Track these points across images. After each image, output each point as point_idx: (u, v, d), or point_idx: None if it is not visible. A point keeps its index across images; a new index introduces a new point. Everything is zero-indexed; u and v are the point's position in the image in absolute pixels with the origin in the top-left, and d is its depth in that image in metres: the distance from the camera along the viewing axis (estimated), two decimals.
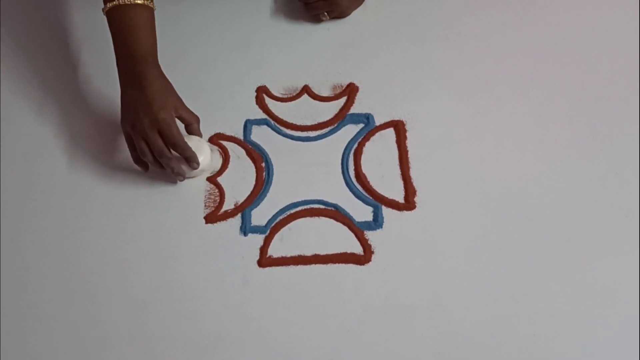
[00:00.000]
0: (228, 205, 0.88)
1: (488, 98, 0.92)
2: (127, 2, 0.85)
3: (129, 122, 0.84)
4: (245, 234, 0.86)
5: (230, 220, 0.87)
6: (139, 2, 0.86)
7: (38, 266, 0.86)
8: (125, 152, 0.90)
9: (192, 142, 0.86)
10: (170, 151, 0.83)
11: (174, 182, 0.89)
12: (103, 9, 0.87)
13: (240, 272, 0.84)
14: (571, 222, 0.83)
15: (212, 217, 0.87)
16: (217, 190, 0.89)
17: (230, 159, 0.91)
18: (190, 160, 0.84)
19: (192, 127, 0.88)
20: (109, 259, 0.86)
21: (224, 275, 0.83)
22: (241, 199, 0.88)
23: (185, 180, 0.89)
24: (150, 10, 0.87)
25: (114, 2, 0.85)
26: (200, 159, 0.85)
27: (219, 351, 0.80)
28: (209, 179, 0.90)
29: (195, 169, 0.85)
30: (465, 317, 0.79)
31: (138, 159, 0.87)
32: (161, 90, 0.84)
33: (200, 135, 0.89)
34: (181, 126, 0.87)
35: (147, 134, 0.82)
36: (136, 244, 0.87)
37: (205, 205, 0.88)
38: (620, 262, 0.80)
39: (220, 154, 0.91)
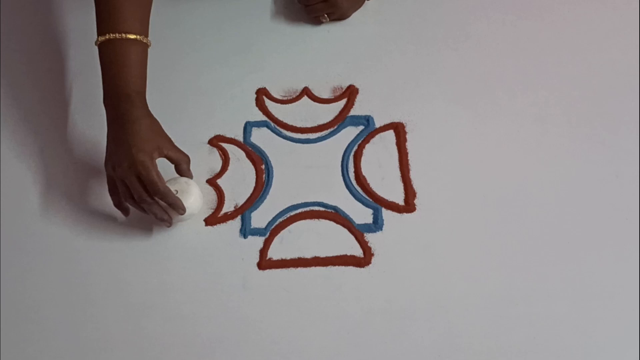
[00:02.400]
0: (228, 208, 0.88)
1: (488, 100, 0.92)
2: (119, 37, 0.82)
3: (110, 164, 0.82)
4: (245, 236, 0.86)
5: (230, 222, 0.87)
6: (131, 37, 0.83)
7: (38, 268, 0.86)
8: None
9: (179, 184, 0.83)
10: (152, 196, 0.80)
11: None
12: (95, 42, 0.84)
13: (240, 275, 0.84)
14: (571, 224, 0.83)
15: (212, 220, 0.87)
16: (217, 193, 0.89)
17: (230, 161, 0.91)
18: (175, 206, 0.81)
19: (181, 168, 0.85)
20: (108, 260, 0.86)
21: (223, 278, 0.83)
22: (241, 201, 0.88)
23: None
24: (144, 47, 0.84)
25: (107, 36, 0.83)
26: (189, 201, 0.83)
27: (219, 354, 0.80)
28: (208, 181, 0.90)
29: (181, 214, 0.82)
30: (465, 319, 0.79)
31: (119, 203, 0.84)
32: (144, 131, 0.81)
33: (190, 176, 0.86)
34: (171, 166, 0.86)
35: (126, 178, 0.80)
36: (136, 245, 0.86)
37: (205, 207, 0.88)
38: (620, 264, 0.80)
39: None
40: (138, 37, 0.83)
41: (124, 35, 0.82)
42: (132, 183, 0.80)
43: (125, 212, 0.85)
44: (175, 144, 0.89)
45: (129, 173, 0.79)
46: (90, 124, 0.95)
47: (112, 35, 0.82)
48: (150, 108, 0.92)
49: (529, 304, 0.79)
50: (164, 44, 0.87)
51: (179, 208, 0.82)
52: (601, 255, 0.81)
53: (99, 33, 0.84)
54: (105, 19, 0.83)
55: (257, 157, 0.91)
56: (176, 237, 0.86)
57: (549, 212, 0.84)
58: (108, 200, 0.87)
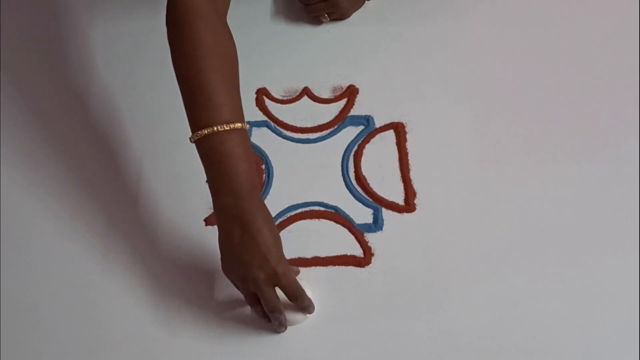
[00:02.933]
0: None
1: (488, 100, 0.93)
2: (219, 130, 0.73)
3: (239, 275, 0.74)
4: None
5: None
6: (233, 126, 0.73)
7: (38, 267, 0.86)
8: (130, 159, 0.90)
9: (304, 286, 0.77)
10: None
11: (175, 185, 0.89)
12: (191, 138, 0.75)
13: None
14: (571, 224, 0.83)
15: (213, 219, 0.87)
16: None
17: None
18: (308, 308, 0.77)
19: (295, 274, 0.79)
20: (108, 260, 0.86)
21: (224, 278, 0.83)
22: None
23: (186, 183, 0.89)
24: (245, 133, 0.75)
25: (204, 131, 0.73)
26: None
27: (219, 353, 0.80)
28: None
29: (311, 312, 0.79)
30: (465, 319, 0.79)
31: (259, 312, 0.77)
32: (274, 237, 0.73)
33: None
34: None
35: (260, 290, 0.73)
36: (136, 245, 0.86)
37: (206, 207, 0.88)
38: (620, 264, 0.81)
39: None
40: (242, 125, 0.75)
41: (226, 126, 0.73)
42: (268, 294, 0.73)
43: (268, 320, 0.77)
44: (176, 143, 0.90)
45: (267, 286, 0.73)
46: (90, 123, 0.95)
47: (211, 129, 0.73)
48: (150, 108, 0.93)
49: (529, 304, 0.79)
50: (164, 44, 0.86)
51: (311, 307, 0.78)
52: (601, 255, 0.81)
53: (196, 128, 0.74)
54: (201, 111, 0.74)
55: (257, 157, 0.91)
56: (176, 237, 0.86)
57: (549, 212, 0.84)
58: (108, 200, 0.87)
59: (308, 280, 0.80)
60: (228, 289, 0.80)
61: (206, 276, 0.84)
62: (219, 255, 0.84)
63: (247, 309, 0.81)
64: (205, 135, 0.73)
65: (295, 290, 0.74)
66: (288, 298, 0.75)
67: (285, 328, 0.78)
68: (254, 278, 0.72)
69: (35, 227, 0.89)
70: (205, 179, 0.90)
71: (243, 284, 0.74)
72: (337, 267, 0.83)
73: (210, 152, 0.74)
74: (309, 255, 0.84)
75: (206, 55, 0.75)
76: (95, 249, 0.87)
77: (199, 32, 0.75)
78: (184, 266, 0.85)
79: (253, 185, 0.74)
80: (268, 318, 0.76)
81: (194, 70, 0.75)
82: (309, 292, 0.77)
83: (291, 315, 0.78)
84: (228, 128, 0.73)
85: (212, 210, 0.87)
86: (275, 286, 0.74)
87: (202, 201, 0.88)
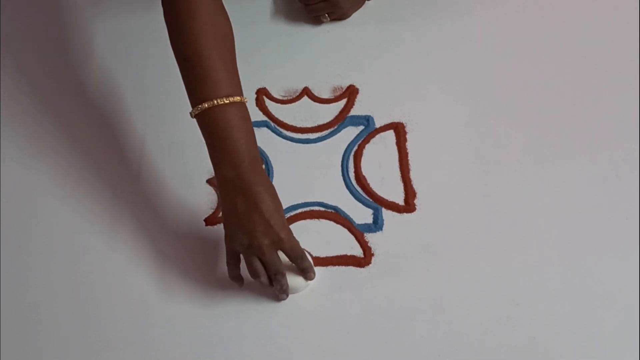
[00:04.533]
0: None
1: (488, 100, 0.93)
2: (219, 103, 0.75)
3: (243, 243, 0.75)
4: None
5: None
6: (232, 100, 0.75)
7: (38, 267, 0.86)
8: (130, 159, 0.90)
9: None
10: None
11: (178, 188, 0.89)
12: (191, 113, 0.77)
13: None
14: (571, 224, 0.83)
15: (213, 220, 0.87)
16: (216, 193, 0.89)
17: None
18: (308, 270, 0.79)
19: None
20: (108, 260, 0.86)
21: (224, 278, 0.83)
22: None
23: (185, 182, 0.89)
24: (245, 107, 0.78)
25: (205, 105, 0.75)
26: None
27: (219, 353, 0.80)
28: (208, 181, 0.90)
29: (312, 279, 0.80)
30: (465, 319, 0.79)
31: (237, 276, 0.80)
32: (275, 202, 0.76)
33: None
34: None
35: (265, 254, 0.75)
36: (136, 245, 0.87)
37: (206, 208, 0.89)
38: (620, 264, 0.80)
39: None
40: (241, 98, 0.77)
41: (225, 100, 0.75)
42: (272, 258, 0.76)
43: (241, 282, 0.80)
44: (176, 143, 0.90)
45: (270, 250, 0.75)
46: (90, 123, 0.95)
47: (211, 103, 0.75)
48: (150, 108, 0.93)
49: (529, 304, 0.79)
50: (164, 44, 0.86)
51: (312, 272, 0.79)
52: (601, 255, 0.81)
53: (196, 102, 0.76)
54: (201, 86, 0.76)
55: None
56: (176, 237, 0.86)
57: (549, 212, 0.84)
58: (108, 200, 0.87)
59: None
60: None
61: (206, 276, 0.84)
62: (220, 255, 0.85)
63: (247, 309, 0.81)
64: (206, 109, 0.75)
65: (298, 252, 0.77)
66: (291, 259, 0.77)
67: (287, 295, 0.80)
68: (258, 244, 0.75)
69: (34, 227, 0.89)
70: (209, 178, 0.90)
71: (247, 251, 0.76)
72: (337, 267, 0.83)
73: (211, 125, 0.76)
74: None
75: (203, 31, 0.77)
76: (96, 248, 0.87)
77: (196, 10, 0.77)
78: (184, 266, 0.85)
79: (254, 156, 0.76)
80: (271, 285, 0.78)
81: (192, 47, 0.77)
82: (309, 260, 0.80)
83: (293, 281, 0.79)
84: (228, 101, 0.75)
85: (212, 211, 0.88)
86: (277, 250, 0.76)
87: (202, 201, 0.88)
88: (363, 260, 0.83)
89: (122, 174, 0.91)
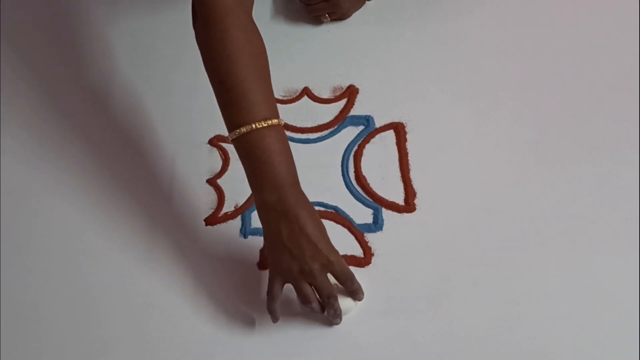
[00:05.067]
0: (228, 208, 0.88)
1: (488, 100, 0.93)
2: (258, 127, 0.73)
3: (292, 269, 0.73)
4: (245, 236, 0.86)
5: (230, 222, 0.87)
6: (270, 123, 0.73)
7: (38, 267, 0.86)
8: (124, 156, 0.90)
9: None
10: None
11: (175, 187, 0.89)
12: (228, 138, 0.75)
13: (240, 275, 0.84)
14: (571, 224, 0.83)
15: (212, 220, 0.87)
16: (217, 193, 0.89)
17: (230, 161, 0.91)
18: (357, 292, 0.77)
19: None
20: (108, 260, 0.86)
21: (224, 278, 0.83)
22: (241, 201, 0.88)
23: (185, 183, 0.89)
24: (282, 129, 0.76)
25: (242, 129, 0.73)
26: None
27: (219, 353, 0.80)
28: (208, 181, 0.90)
29: (361, 299, 0.78)
30: (465, 319, 0.79)
31: (276, 308, 0.76)
32: (320, 228, 0.74)
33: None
34: None
35: (316, 279, 0.73)
36: (136, 245, 0.86)
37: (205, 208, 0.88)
38: (620, 264, 0.80)
39: None
40: (279, 121, 0.75)
41: (264, 123, 0.73)
42: (323, 283, 0.74)
43: (277, 317, 0.77)
44: (176, 143, 0.90)
45: (322, 274, 0.74)
46: (89, 123, 0.95)
47: (249, 127, 0.73)
48: (150, 108, 0.92)
49: (529, 304, 0.79)
50: (164, 44, 0.87)
51: (361, 293, 0.78)
52: (601, 255, 0.81)
53: (234, 127, 0.74)
54: (238, 109, 0.74)
55: None
56: (176, 237, 0.86)
57: (549, 212, 0.84)
58: (107, 200, 0.87)
59: None
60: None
61: (206, 276, 0.84)
62: (220, 255, 0.85)
63: (247, 309, 0.81)
64: (244, 134, 0.73)
65: (348, 274, 0.75)
66: (341, 283, 0.76)
67: (341, 319, 0.78)
68: (309, 269, 0.73)
69: (34, 227, 0.89)
70: (209, 178, 0.90)
71: (298, 277, 0.74)
72: None
73: (250, 149, 0.74)
74: None
75: (238, 53, 0.75)
76: (96, 248, 0.87)
77: (229, 30, 0.75)
78: (184, 266, 0.85)
79: (294, 180, 0.75)
80: (322, 310, 0.76)
81: (227, 69, 0.75)
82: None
83: (342, 303, 0.77)
84: (266, 125, 0.73)
85: (212, 211, 0.88)
86: (327, 273, 0.75)
87: (202, 201, 0.88)
88: (363, 260, 0.83)
89: (122, 174, 0.91)
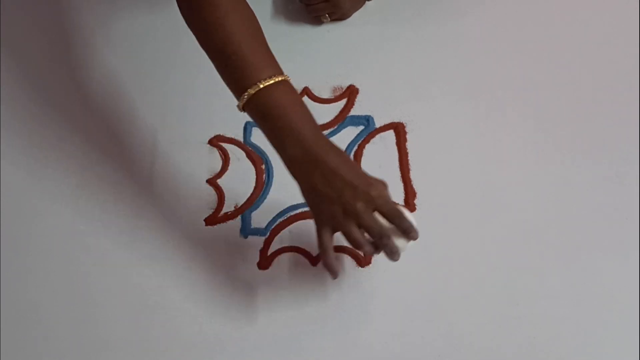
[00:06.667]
0: (228, 208, 0.88)
1: (488, 100, 0.93)
2: (265, 85, 0.71)
3: (337, 216, 0.70)
4: (245, 236, 0.86)
5: (230, 222, 0.87)
6: (276, 79, 0.72)
7: (38, 267, 0.86)
8: (124, 156, 0.90)
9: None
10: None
11: (175, 187, 0.89)
12: (238, 105, 0.73)
13: (240, 275, 0.84)
14: (571, 224, 0.83)
15: (212, 220, 0.87)
16: (217, 193, 0.89)
17: (230, 161, 0.91)
18: (409, 230, 0.71)
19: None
20: (108, 260, 0.86)
21: (223, 278, 0.84)
22: (241, 201, 0.88)
23: (185, 183, 0.89)
24: (290, 83, 0.74)
25: (250, 91, 0.71)
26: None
27: (219, 353, 0.80)
28: (208, 181, 0.90)
29: (416, 238, 0.72)
30: (465, 319, 0.79)
31: (333, 263, 0.72)
32: (353, 165, 0.71)
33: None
34: None
35: (363, 218, 0.69)
36: (136, 245, 0.87)
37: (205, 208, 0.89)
38: (621, 265, 0.81)
39: None
40: (284, 77, 0.73)
41: (270, 80, 0.72)
42: (371, 221, 0.69)
43: (337, 272, 0.73)
44: (176, 143, 0.89)
45: (367, 213, 0.69)
46: (89, 123, 0.95)
47: (255, 88, 0.71)
48: (150, 108, 0.92)
49: (529, 304, 0.79)
50: (164, 44, 0.87)
51: (414, 231, 0.71)
52: (601, 255, 0.81)
53: (241, 91, 0.72)
54: (241, 73, 0.73)
55: (257, 157, 0.91)
56: (176, 237, 0.86)
57: (549, 212, 0.84)
58: (107, 200, 0.87)
59: None
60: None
61: (206, 276, 0.84)
62: (220, 255, 0.85)
63: (247, 309, 0.81)
64: (252, 96, 0.71)
65: (394, 209, 0.70)
66: (389, 220, 0.70)
67: (399, 256, 0.72)
68: (351, 211, 0.69)
69: (34, 227, 0.89)
70: (209, 178, 0.90)
71: (343, 221, 0.70)
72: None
73: (262, 109, 0.72)
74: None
75: (230, 20, 0.74)
76: (96, 248, 0.87)
77: (216, 1, 0.74)
78: (184, 266, 0.85)
79: (315, 127, 0.72)
80: (377, 252, 0.72)
81: (223, 37, 0.73)
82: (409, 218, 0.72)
83: (396, 242, 0.71)
84: (272, 81, 0.71)
85: (212, 211, 0.88)
86: (374, 211, 0.70)
87: (202, 201, 0.88)
88: (363, 260, 0.83)
89: (122, 174, 0.91)
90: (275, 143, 0.72)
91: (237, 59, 0.73)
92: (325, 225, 0.71)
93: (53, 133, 0.96)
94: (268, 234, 0.86)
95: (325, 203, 0.70)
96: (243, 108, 0.73)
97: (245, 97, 0.72)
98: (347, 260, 0.84)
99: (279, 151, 0.72)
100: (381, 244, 0.70)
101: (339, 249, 0.84)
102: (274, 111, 0.71)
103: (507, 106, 0.92)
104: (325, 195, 0.70)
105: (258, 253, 0.85)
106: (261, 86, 0.71)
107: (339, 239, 0.85)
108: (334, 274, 0.73)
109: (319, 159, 0.70)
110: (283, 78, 0.73)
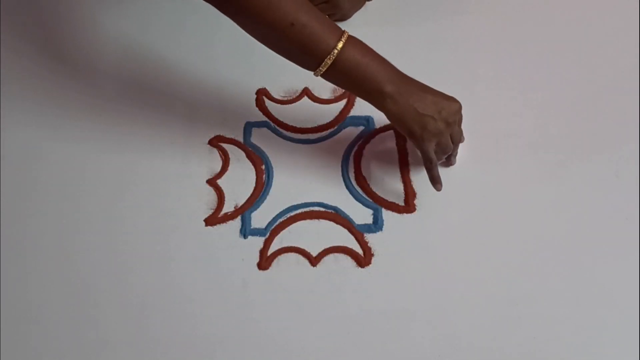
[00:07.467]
0: (228, 208, 0.88)
1: (488, 100, 0.93)
2: (338, 49, 0.75)
3: (439, 127, 0.79)
4: (245, 237, 0.86)
5: (230, 222, 0.87)
6: (344, 40, 0.75)
7: (37, 267, 0.86)
8: (123, 156, 0.90)
9: None
10: None
11: (175, 187, 0.89)
12: (315, 73, 0.77)
13: (240, 275, 0.84)
14: (571, 224, 0.83)
15: (212, 220, 0.87)
16: (217, 193, 0.89)
17: (230, 162, 0.91)
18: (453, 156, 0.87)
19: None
20: (108, 260, 0.86)
21: (223, 278, 0.83)
22: (241, 201, 0.88)
23: (185, 183, 0.89)
24: (354, 38, 0.77)
25: (327, 61, 0.75)
26: None
27: (219, 353, 0.80)
28: (208, 182, 0.90)
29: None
30: (465, 319, 0.79)
31: (435, 172, 0.84)
32: (427, 86, 0.81)
33: None
34: None
35: (455, 129, 0.82)
36: (136, 246, 0.87)
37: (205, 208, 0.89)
38: (620, 265, 0.81)
39: None
40: (346, 33, 0.76)
41: (340, 44, 0.75)
42: (458, 132, 0.83)
43: (441, 183, 0.85)
44: (176, 144, 0.89)
45: (456, 124, 0.82)
46: (88, 122, 0.95)
47: (331, 56, 0.75)
48: (150, 108, 0.92)
49: (529, 304, 0.79)
50: (164, 44, 0.87)
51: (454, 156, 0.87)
52: (601, 255, 0.81)
53: (318, 62, 0.76)
54: (316, 44, 0.75)
55: (257, 158, 0.91)
56: (176, 237, 0.86)
57: (548, 212, 0.84)
58: (108, 200, 0.87)
59: None
60: None
61: (206, 276, 0.84)
62: (220, 255, 0.85)
63: (247, 310, 0.81)
64: (333, 62, 0.75)
65: (460, 132, 0.84)
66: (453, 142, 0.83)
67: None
68: (453, 119, 0.80)
69: (34, 227, 0.89)
70: (209, 178, 0.90)
71: (445, 132, 0.80)
72: (337, 267, 0.83)
73: (345, 71, 0.76)
74: None
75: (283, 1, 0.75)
76: (96, 248, 0.87)
77: None
78: (184, 266, 0.85)
79: (395, 71, 0.78)
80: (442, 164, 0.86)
81: (295, 9, 0.74)
82: None
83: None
84: (342, 44, 0.75)
85: (212, 211, 0.88)
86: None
87: (202, 201, 0.88)
88: (363, 261, 0.83)
89: (122, 174, 0.91)
90: (368, 92, 0.78)
91: (303, 35, 0.75)
92: (431, 140, 0.80)
93: (52, 132, 0.96)
94: (268, 234, 0.86)
95: (428, 120, 0.78)
96: (322, 75, 0.77)
97: (325, 65, 0.75)
98: (347, 260, 0.84)
99: (374, 99, 0.78)
100: (454, 152, 0.85)
101: (340, 249, 0.84)
102: (358, 68, 0.76)
103: (506, 106, 0.92)
104: (427, 115, 0.78)
105: (258, 253, 0.85)
106: (336, 52, 0.75)
107: (339, 238, 0.85)
108: (440, 185, 0.84)
109: (411, 86, 0.79)
110: (347, 34, 0.76)
